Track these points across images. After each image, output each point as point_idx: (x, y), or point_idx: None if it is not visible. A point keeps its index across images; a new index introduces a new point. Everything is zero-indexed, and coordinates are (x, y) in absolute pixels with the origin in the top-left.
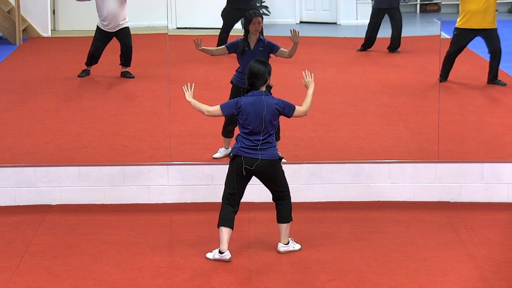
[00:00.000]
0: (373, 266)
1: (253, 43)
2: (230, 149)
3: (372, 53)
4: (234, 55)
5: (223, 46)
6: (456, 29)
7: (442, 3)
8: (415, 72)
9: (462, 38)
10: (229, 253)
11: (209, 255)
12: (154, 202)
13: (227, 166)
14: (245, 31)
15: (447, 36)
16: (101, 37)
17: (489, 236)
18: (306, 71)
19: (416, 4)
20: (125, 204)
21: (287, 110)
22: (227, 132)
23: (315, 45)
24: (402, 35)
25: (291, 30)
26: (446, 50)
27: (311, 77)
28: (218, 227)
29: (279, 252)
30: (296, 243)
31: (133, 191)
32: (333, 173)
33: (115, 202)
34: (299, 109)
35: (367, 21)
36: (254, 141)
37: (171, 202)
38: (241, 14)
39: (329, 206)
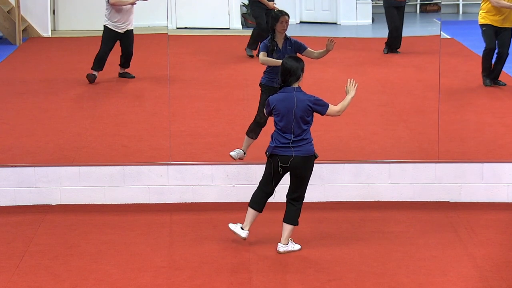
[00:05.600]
0: (373, 266)
1: (281, 42)
2: (243, 152)
3: (372, 53)
4: (227, 54)
5: (264, 52)
6: (485, 25)
7: (442, 3)
8: (415, 72)
9: (493, 32)
10: (247, 233)
11: (231, 226)
12: (154, 202)
13: (227, 166)
14: (271, 31)
15: (447, 36)
16: (111, 37)
17: (489, 236)
18: (352, 80)
19: (416, 4)
20: (125, 204)
21: (321, 107)
22: (251, 132)
23: (315, 45)
24: (402, 35)
25: (328, 39)
26: (445, 50)
27: (354, 86)
28: (248, 206)
29: (278, 252)
30: (296, 243)
31: (133, 191)
32: (333, 173)
33: (115, 202)
34: (333, 108)
35: (367, 21)
36: (287, 138)
37: (171, 202)
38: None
39: (329, 206)
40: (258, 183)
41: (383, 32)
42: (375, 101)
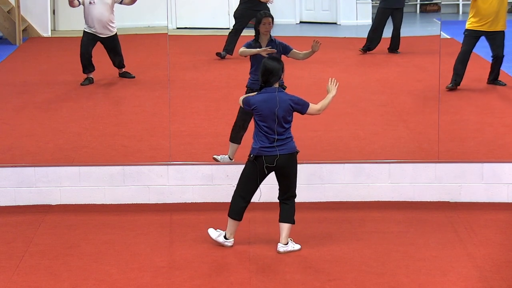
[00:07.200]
0: (373, 266)
1: (265, 43)
2: (229, 158)
3: (372, 53)
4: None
5: (245, 48)
6: (467, 30)
7: (442, 3)
8: (415, 72)
9: (473, 38)
10: (233, 241)
11: (212, 234)
12: (154, 202)
13: (227, 166)
14: (255, 32)
15: (447, 36)
16: (86, 39)
17: (489, 236)
18: (333, 79)
19: (416, 4)
20: (125, 204)
21: (301, 106)
22: (235, 138)
23: None
24: (402, 35)
25: (314, 40)
26: (445, 51)
27: (335, 86)
28: (228, 215)
29: (278, 252)
30: (296, 243)
31: (133, 191)
32: (333, 173)
33: (115, 202)
34: (313, 106)
35: (367, 21)
36: (270, 138)
37: (171, 202)
38: (255, 15)
39: (329, 206)
40: (236, 190)
41: (384, 32)
42: (375, 101)
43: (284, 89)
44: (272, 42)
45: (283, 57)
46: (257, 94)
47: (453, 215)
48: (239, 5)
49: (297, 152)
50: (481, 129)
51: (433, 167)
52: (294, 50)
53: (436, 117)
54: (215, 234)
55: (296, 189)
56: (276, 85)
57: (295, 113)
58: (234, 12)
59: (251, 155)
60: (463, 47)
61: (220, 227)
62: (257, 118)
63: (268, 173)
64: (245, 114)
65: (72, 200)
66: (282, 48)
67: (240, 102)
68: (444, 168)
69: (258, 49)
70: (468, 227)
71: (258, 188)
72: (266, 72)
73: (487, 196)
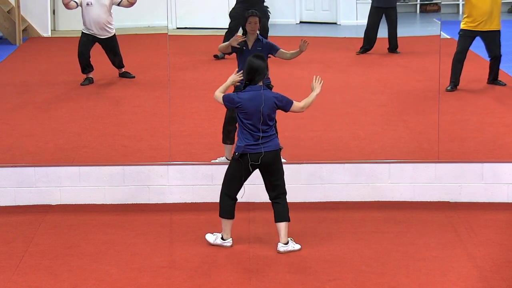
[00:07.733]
0: (373, 266)
1: (251, 43)
2: (226, 159)
3: (372, 54)
4: (234, 55)
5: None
6: (462, 30)
7: (442, 3)
8: (415, 72)
9: (468, 38)
10: (231, 241)
11: (210, 238)
12: (154, 202)
13: (227, 166)
14: (243, 31)
15: (447, 36)
16: (84, 40)
17: (489, 236)
18: (318, 77)
19: (416, 4)
20: (125, 204)
21: (285, 104)
22: (227, 138)
23: (315, 45)
24: (402, 35)
25: (302, 40)
26: (445, 51)
27: (320, 84)
28: (219, 216)
29: (279, 252)
30: (296, 243)
31: (133, 191)
32: (333, 173)
33: (115, 202)
34: (297, 104)
35: (367, 21)
36: (255, 135)
37: (171, 202)
38: None
39: (329, 206)
40: (222, 189)
41: (383, 32)
42: (375, 101)
43: (271, 88)
44: (259, 41)
45: (273, 57)
46: (241, 92)
47: (453, 215)
48: (235, 4)
49: (280, 149)
50: (481, 129)
51: (433, 167)
52: (281, 49)
53: (436, 117)
54: (212, 238)
55: (286, 186)
56: (260, 83)
57: (291, 114)
58: (230, 11)
59: (236, 153)
60: (458, 47)
61: (218, 228)
62: (242, 116)
63: (253, 170)
64: (232, 113)
65: (72, 200)
66: (269, 48)
67: (219, 99)
68: (444, 168)
69: (230, 41)
70: (468, 227)
71: (242, 187)
72: (252, 70)
73: (487, 196)
